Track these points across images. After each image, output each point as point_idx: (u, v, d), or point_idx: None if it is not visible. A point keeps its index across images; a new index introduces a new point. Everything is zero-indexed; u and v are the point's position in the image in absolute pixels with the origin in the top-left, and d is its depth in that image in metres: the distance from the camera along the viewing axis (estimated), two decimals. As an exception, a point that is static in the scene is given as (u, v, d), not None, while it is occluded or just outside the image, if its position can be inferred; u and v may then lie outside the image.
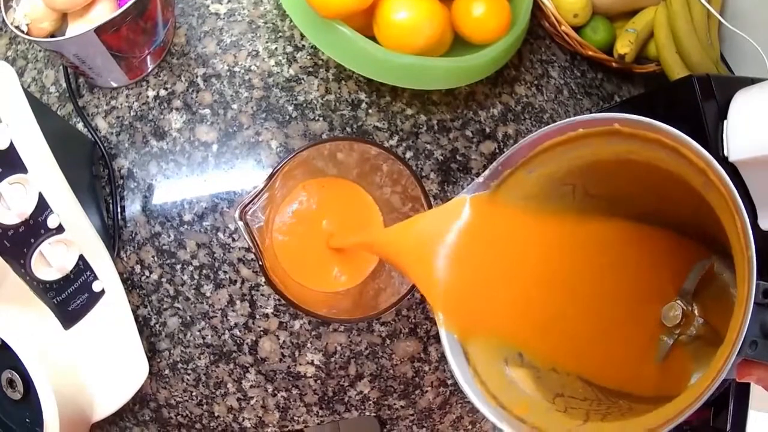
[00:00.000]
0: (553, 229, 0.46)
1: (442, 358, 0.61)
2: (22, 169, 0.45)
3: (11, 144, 0.44)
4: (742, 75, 0.67)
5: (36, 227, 0.47)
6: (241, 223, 0.46)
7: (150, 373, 0.55)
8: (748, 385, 0.53)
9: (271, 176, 0.48)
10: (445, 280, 0.44)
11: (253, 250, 0.47)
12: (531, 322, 0.45)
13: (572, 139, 0.41)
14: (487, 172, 0.44)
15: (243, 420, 0.60)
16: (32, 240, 0.47)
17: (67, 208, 0.49)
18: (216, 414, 0.59)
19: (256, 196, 0.47)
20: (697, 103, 0.55)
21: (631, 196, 0.45)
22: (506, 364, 0.44)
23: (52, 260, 0.48)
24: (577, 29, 0.68)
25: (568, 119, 0.41)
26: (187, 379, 0.59)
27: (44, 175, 0.47)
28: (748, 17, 0.67)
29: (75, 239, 0.50)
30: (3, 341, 0.46)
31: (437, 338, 0.61)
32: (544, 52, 0.70)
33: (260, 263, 0.47)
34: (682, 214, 0.42)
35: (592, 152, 0.41)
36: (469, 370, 0.43)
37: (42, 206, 0.47)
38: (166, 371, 0.59)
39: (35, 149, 0.47)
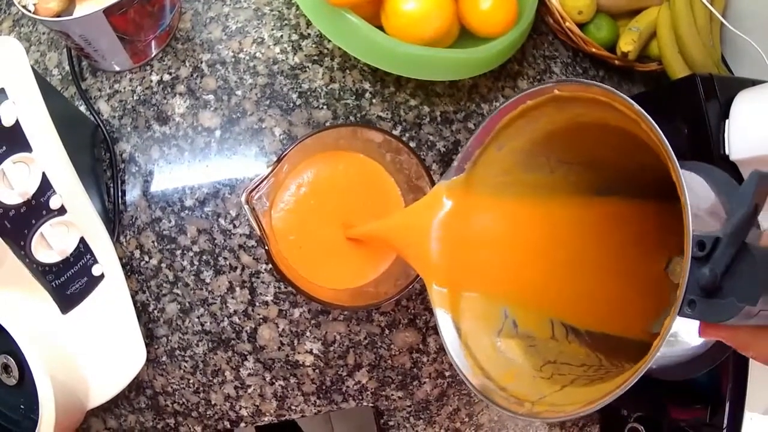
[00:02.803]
0: (534, 202, 0.48)
1: (441, 349, 0.61)
2: (26, 147, 0.44)
3: (17, 122, 0.43)
4: (742, 77, 0.68)
5: (38, 208, 0.46)
6: (247, 207, 0.46)
7: (147, 359, 0.55)
8: (744, 384, 0.53)
9: (278, 160, 0.48)
10: (436, 255, 0.47)
11: (259, 234, 0.47)
12: (522, 281, 0.47)
13: (526, 112, 0.44)
14: (459, 155, 0.47)
15: (240, 408, 0.59)
16: (33, 221, 0.46)
17: (69, 189, 0.49)
18: (213, 402, 0.59)
19: (262, 180, 0.47)
20: (699, 102, 0.56)
21: (606, 158, 0.46)
22: (498, 336, 0.45)
23: (52, 242, 0.47)
24: (581, 26, 0.68)
25: (517, 94, 0.43)
26: (185, 367, 0.59)
27: (48, 155, 0.46)
28: (749, 20, 0.68)
29: (76, 221, 0.49)
30: (-1, 325, 0.46)
31: (436, 329, 0.61)
32: (547, 48, 0.70)
33: (266, 248, 0.47)
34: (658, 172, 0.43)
35: (548, 121, 0.44)
36: (460, 344, 0.45)
37: (45, 186, 0.46)
38: (164, 358, 0.59)
39: (41, 128, 0.46)
